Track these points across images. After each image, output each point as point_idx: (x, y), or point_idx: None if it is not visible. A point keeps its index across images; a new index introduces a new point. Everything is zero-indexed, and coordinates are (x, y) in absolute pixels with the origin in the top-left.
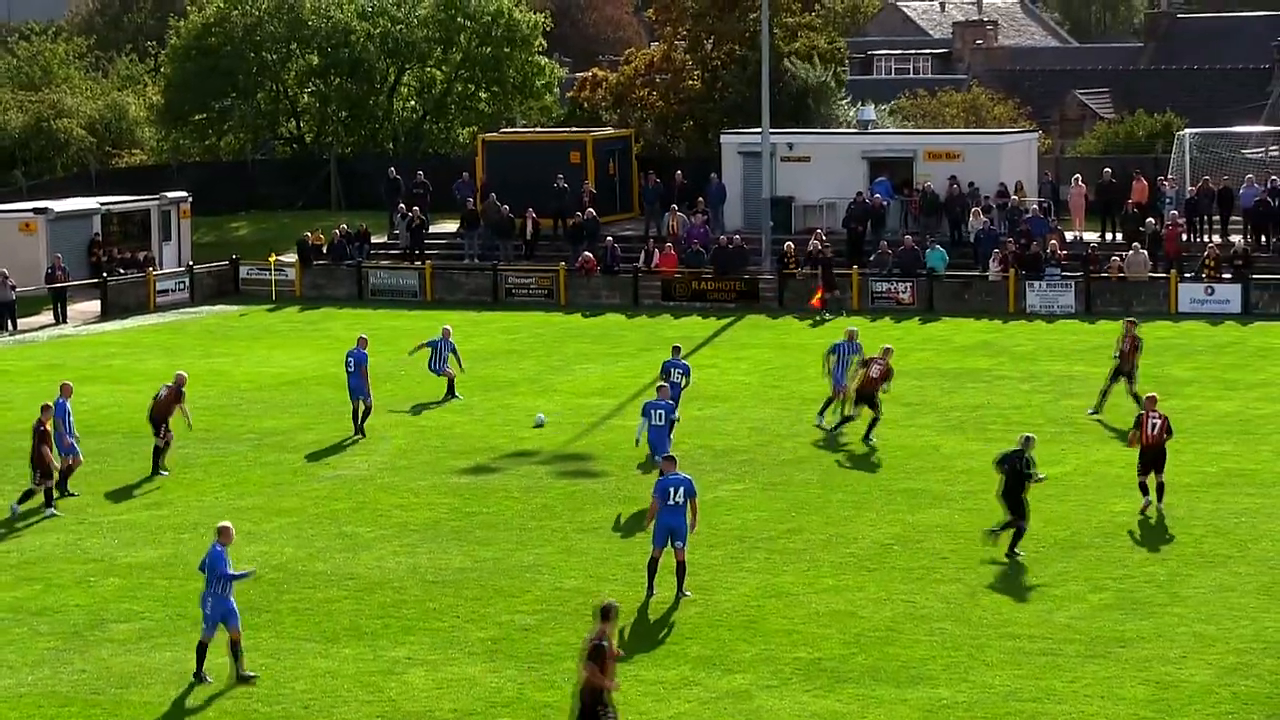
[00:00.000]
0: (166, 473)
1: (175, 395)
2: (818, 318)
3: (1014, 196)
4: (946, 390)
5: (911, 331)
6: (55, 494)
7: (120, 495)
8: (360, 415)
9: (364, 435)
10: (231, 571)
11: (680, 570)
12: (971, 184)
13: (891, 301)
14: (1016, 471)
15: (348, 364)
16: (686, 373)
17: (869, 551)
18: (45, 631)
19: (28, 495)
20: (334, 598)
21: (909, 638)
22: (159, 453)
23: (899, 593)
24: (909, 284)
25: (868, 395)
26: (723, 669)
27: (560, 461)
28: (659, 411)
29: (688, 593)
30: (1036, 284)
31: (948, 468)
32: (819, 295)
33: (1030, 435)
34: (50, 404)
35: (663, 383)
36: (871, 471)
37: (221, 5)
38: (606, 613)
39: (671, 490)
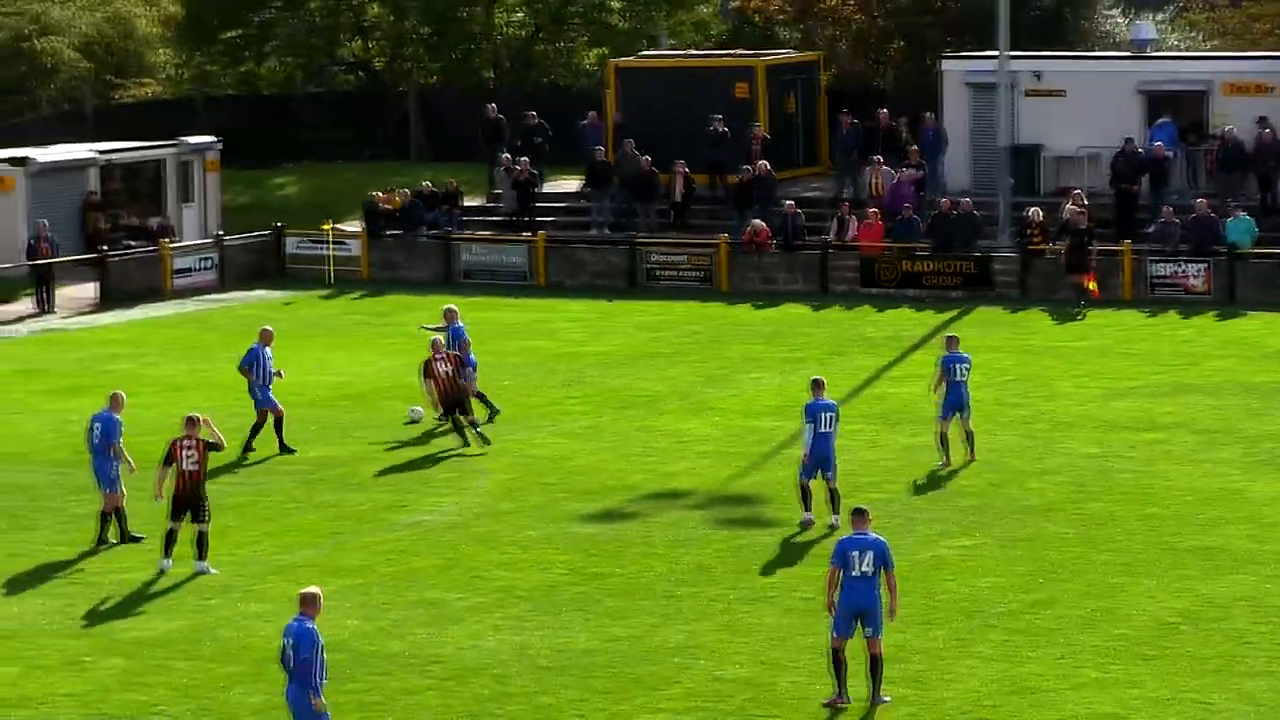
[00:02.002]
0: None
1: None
2: (1078, 311)
3: None
4: (1255, 412)
5: (1206, 331)
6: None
7: (137, 549)
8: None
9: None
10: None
11: (875, 666)
12: None
13: (1178, 289)
14: None
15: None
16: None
17: (1148, 633)
18: None
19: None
20: (414, 688)
21: None
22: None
23: (1187, 690)
24: (1202, 266)
25: None
26: None
27: (720, 505)
28: (828, 415)
29: (886, 698)
30: None
31: (1255, 519)
32: (1092, 280)
33: None
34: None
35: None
36: (1150, 523)
37: None
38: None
39: (856, 556)
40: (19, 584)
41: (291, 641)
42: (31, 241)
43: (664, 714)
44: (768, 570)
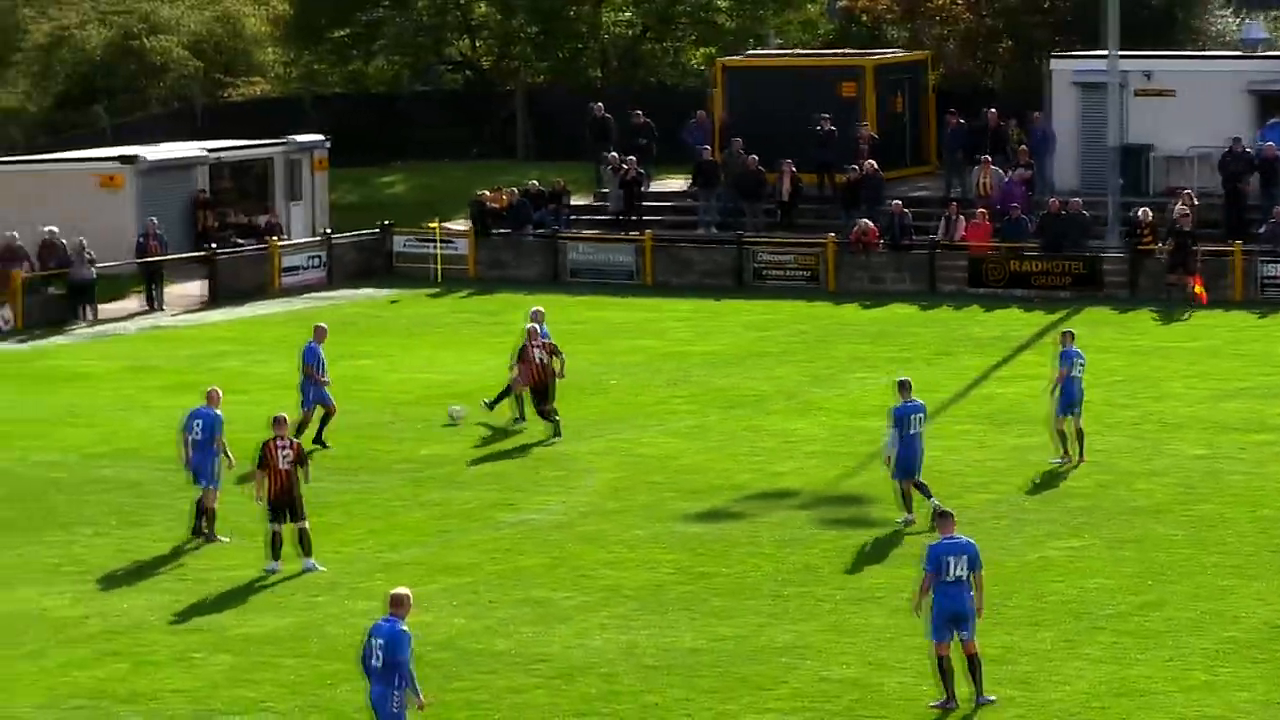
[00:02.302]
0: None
1: None
2: (1185, 311)
3: None
4: None
5: None
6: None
7: (242, 542)
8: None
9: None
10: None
11: (974, 666)
12: None
13: None
14: None
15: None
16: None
17: (1257, 636)
18: None
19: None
20: (521, 686)
21: None
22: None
23: None
24: None
25: None
26: None
27: (827, 505)
28: (917, 416)
29: (991, 697)
30: None
31: None
32: (1198, 283)
33: None
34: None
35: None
36: (1261, 525)
37: None
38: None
39: (951, 562)
40: (128, 580)
41: (383, 642)
42: (141, 239)
43: (771, 714)
44: (875, 570)
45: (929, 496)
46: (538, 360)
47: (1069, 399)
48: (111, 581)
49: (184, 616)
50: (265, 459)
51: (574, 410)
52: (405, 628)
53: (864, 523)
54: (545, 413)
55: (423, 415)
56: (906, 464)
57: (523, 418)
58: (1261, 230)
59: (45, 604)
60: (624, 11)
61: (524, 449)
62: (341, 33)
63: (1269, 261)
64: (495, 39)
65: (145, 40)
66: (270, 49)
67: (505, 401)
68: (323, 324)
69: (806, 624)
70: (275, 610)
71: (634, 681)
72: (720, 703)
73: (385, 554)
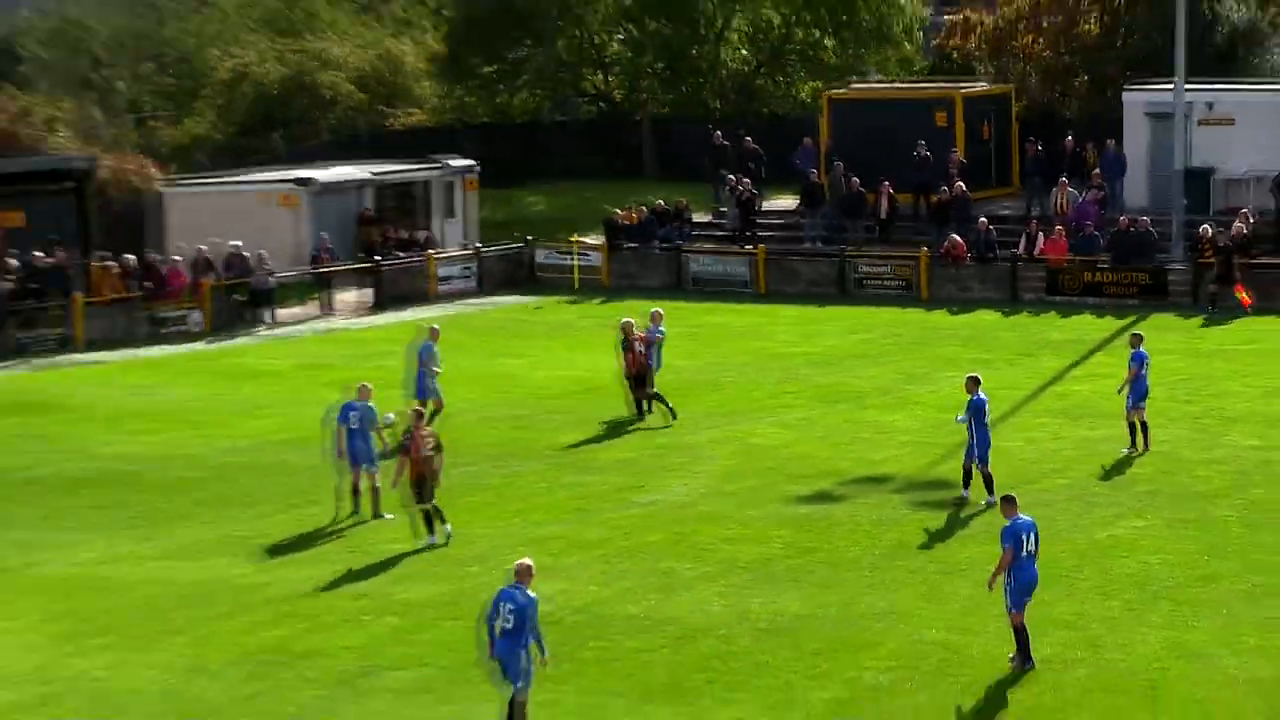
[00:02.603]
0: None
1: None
2: (1230, 318)
3: None
4: None
5: None
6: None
7: (402, 519)
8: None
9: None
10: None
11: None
12: None
13: None
14: None
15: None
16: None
17: None
18: (311, 678)
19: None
20: (648, 647)
21: None
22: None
23: None
24: None
25: None
26: None
27: (920, 489)
28: (987, 407)
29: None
30: None
31: None
32: (1240, 289)
33: None
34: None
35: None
36: None
37: None
38: None
39: (1026, 538)
40: (303, 551)
41: (513, 608)
42: (314, 252)
43: (869, 672)
44: (960, 546)
45: (991, 493)
46: (638, 350)
47: (1138, 395)
48: (289, 552)
49: (352, 583)
50: (407, 446)
51: (694, 404)
52: (533, 594)
53: (950, 505)
54: (644, 397)
55: (562, 408)
56: (983, 450)
57: (642, 414)
58: None
59: (233, 572)
60: (740, 49)
61: (650, 439)
62: (490, 69)
63: None
64: (626, 74)
65: (316, 76)
66: (426, 83)
67: (630, 400)
68: (436, 325)
69: (899, 593)
70: (432, 578)
71: (747, 643)
72: (823, 662)
73: (530, 530)
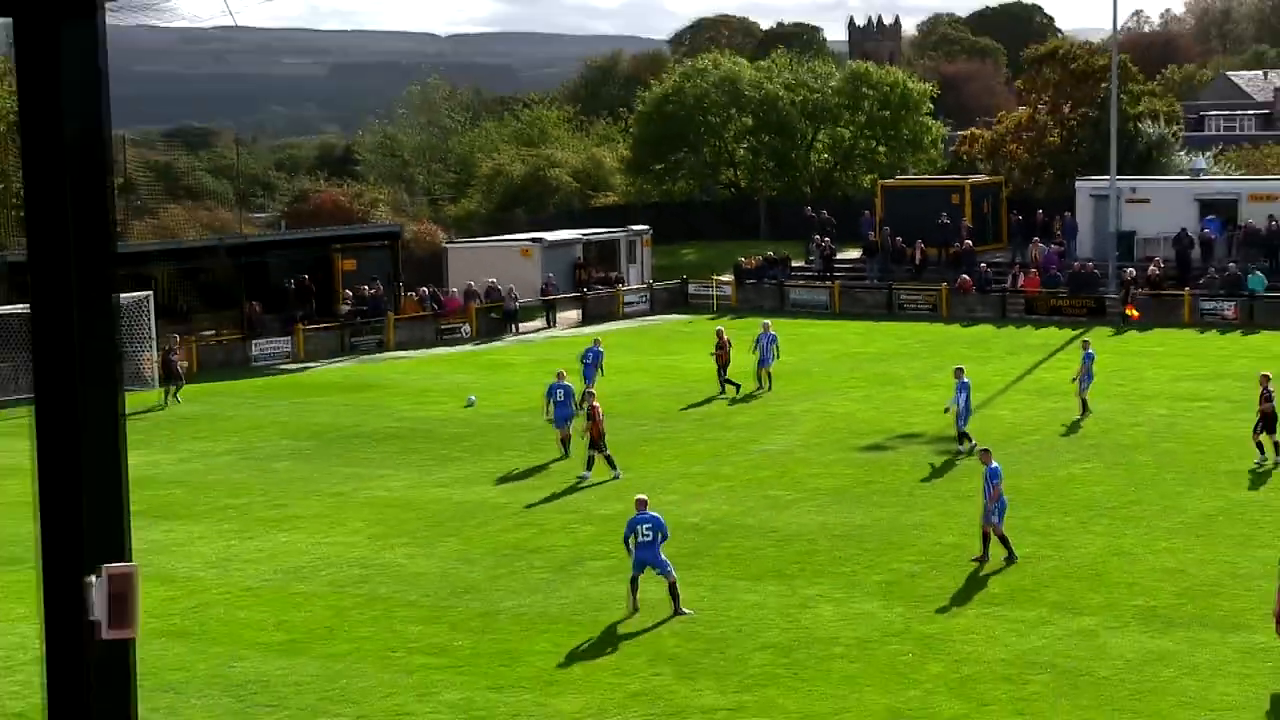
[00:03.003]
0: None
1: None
2: (1126, 328)
3: None
4: None
5: (1235, 342)
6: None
7: (595, 462)
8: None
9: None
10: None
11: (1006, 541)
12: None
13: (1217, 318)
14: None
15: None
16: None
17: (1197, 520)
18: (539, 566)
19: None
20: (760, 546)
21: (1230, 592)
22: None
23: (1222, 555)
24: (1232, 303)
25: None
26: (1073, 612)
27: (940, 442)
28: (965, 385)
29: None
30: None
31: None
32: (1130, 308)
33: None
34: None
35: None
36: (1200, 455)
37: (677, 80)
38: None
39: (989, 474)
40: (533, 481)
41: (650, 524)
42: (543, 286)
43: (906, 563)
44: (967, 479)
45: (971, 442)
46: (726, 342)
47: (1088, 380)
48: (524, 481)
49: (565, 501)
50: (591, 414)
51: (791, 386)
52: (655, 513)
53: (959, 452)
54: (726, 381)
55: (704, 389)
56: (966, 415)
57: (724, 390)
58: (1201, 281)
59: (488, 495)
60: (823, 154)
61: (764, 407)
62: (659, 166)
63: (1205, 300)
64: (748, 170)
65: (546, 172)
66: (618, 176)
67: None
68: (599, 335)
69: (926, 511)
70: (620, 500)
71: (826, 544)
72: (876, 557)
73: (683, 468)
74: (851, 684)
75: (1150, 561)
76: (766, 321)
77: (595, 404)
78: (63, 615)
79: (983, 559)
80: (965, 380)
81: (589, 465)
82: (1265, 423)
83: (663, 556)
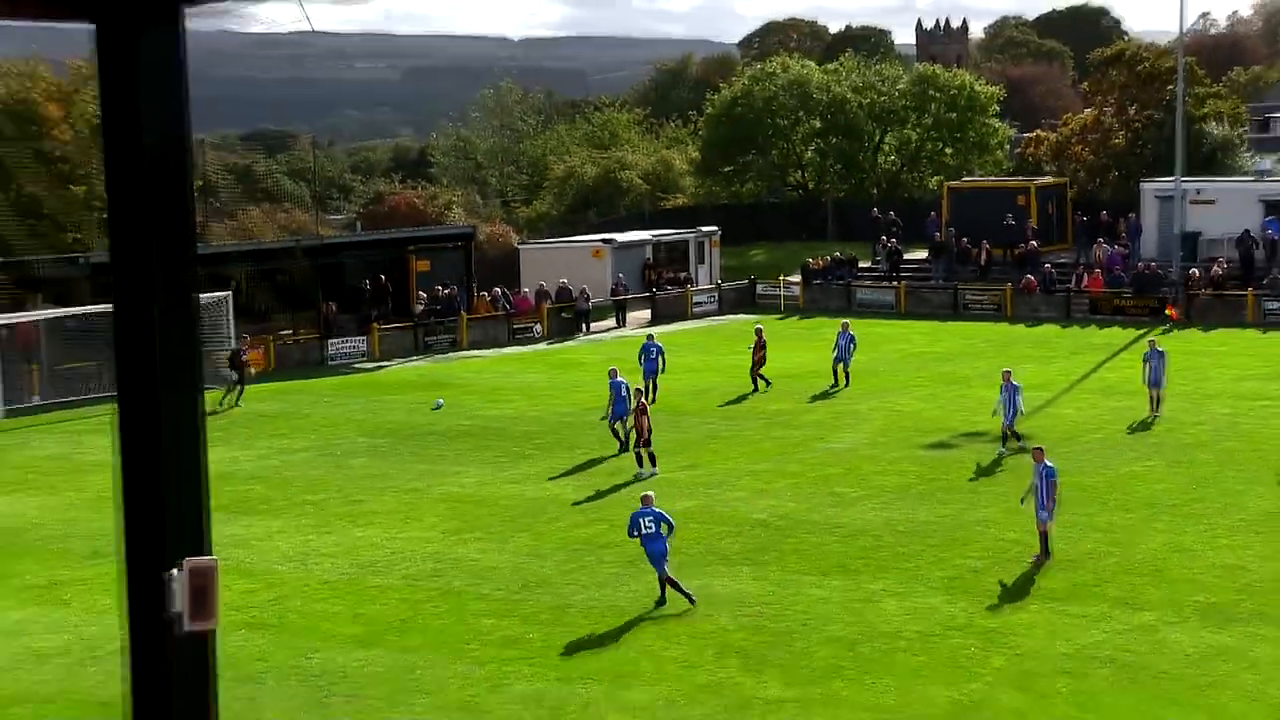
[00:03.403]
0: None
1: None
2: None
3: None
4: None
5: None
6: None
7: (663, 458)
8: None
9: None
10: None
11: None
12: None
13: None
14: None
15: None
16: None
17: (1257, 518)
18: (609, 560)
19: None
20: (826, 542)
21: None
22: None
23: None
24: None
25: None
26: (1133, 607)
27: (1008, 440)
28: (1017, 387)
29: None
30: None
31: None
32: (1170, 309)
33: None
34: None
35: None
36: (1261, 454)
37: (746, 83)
38: None
39: (1040, 477)
40: (600, 477)
41: (653, 518)
42: (614, 286)
43: (970, 560)
44: (1028, 476)
45: (1020, 441)
46: (763, 342)
47: (1155, 378)
48: (590, 477)
49: (636, 497)
50: (639, 409)
51: (859, 384)
52: (658, 509)
53: (1025, 451)
54: (758, 376)
55: (773, 387)
56: (1013, 417)
57: (756, 388)
58: (1264, 281)
59: (569, 491)
60: (890, 156)
61: (831, 406)
62: (728, 169)
63: (1269, 300)
64: (815, 172)
65: (617, 174)
66: (688, 178)
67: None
68: (652, 332)
69: (990, 509)
70: (687, 497)
71: (890, 540)
72: (940, 553)
73: (749, 465)
74: (915, 676)
75: (1210, 558)
76: (846, 321)
77: (644, 401)
78: (145, 608)
79: (1042, 557)
80: (1015, 384)
81: (641, 462)
82: None
83: (665, 548)
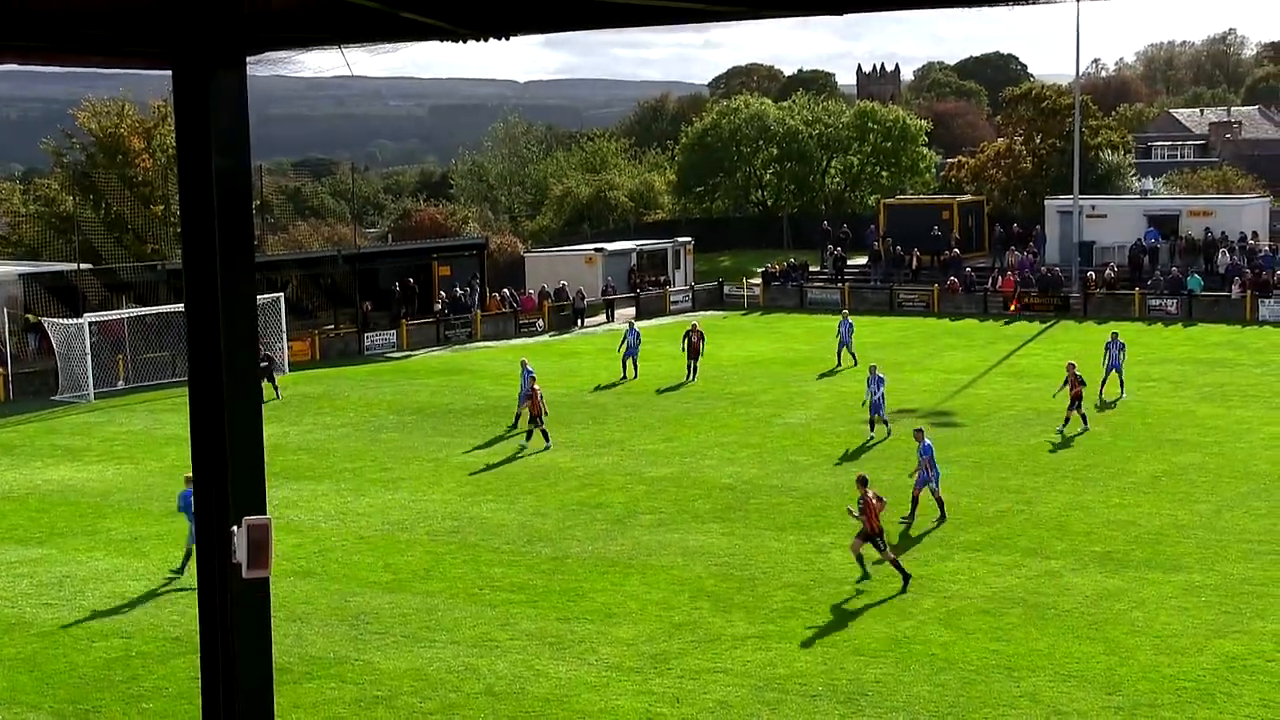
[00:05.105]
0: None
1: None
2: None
3: (1251, 241)
4: (1201, 372)
5: (1176, 333)
6: None
7: (644, 433)
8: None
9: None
10: None
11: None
12: (1222, 233)
13: (1162, 312)
14: None
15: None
16: (1122, 349)
17: (1144, 481)
18: (600, 518)
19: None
20: (784, 503)
21: (1172, 540)
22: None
23: (1165, 509)
24: (1175, 300)
25: None
26: (1041, 556)
27: (933, 415)
28: (879, 378)
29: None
30: (1268, 301)
31: (1201, 425)
32: (1014, 302)
33: None
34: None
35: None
36: (1148, 426)
37: (715, 118)
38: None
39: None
40: (592, 449)
41: None
42: (605, 288)
43: (903, 509)
44: (956, 447)
45: (887, 426)
46: (696, 339)
47: (1115, 363)
48: (584, 448)
49: (624, 468)
50: (529, 393)
51: (810, 370)
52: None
53: (951, 424)
54: (694, 366)
55: (738, 372)
56: (876, 407)
57: (690, 377)
58: (1149, 282)
59: (560, 461)
60: (836, 178)
61: (786, 387)
62: (700, 189)
63: (1152, 298)
64: (773, 190)
65: (607, 193)
66: (666, 196)
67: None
68: (637, 325)
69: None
70: (665, 465)
71: (838, 501)
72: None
73: (717, 437)
74: (858, 616)
75: (1106, 514)
76: (845, 310)
77: (535, 386)
78: (212, 558)
79: (910, 519)
80: (880, 375)
81: (545, 435)
82: (1074, 403)
83: None
